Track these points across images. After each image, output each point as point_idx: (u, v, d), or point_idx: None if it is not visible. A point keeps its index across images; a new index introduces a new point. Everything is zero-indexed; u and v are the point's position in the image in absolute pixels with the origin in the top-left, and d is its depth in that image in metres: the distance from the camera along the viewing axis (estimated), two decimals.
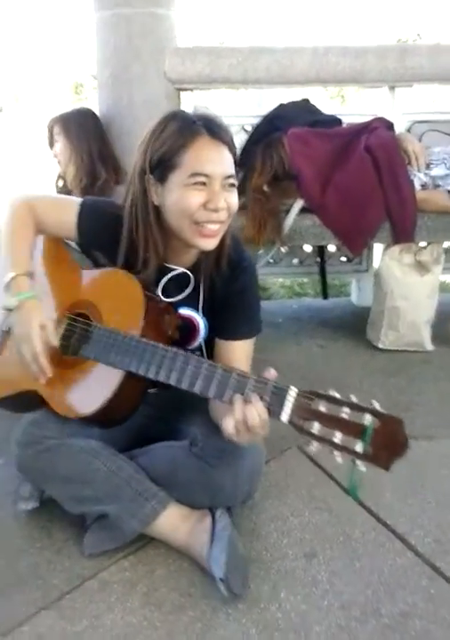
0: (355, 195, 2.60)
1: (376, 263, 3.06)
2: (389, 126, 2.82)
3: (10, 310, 1.45)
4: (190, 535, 1.49)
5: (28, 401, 1.52)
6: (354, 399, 1.12)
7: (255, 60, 2.81)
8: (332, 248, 3.21)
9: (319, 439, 1.11)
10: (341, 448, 1.09)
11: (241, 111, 3.25)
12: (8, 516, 1.63)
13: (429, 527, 1.61)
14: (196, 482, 1.50)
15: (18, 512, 1.62)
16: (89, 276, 1.56)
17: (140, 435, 1.62)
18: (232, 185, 1.38)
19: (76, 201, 1.54)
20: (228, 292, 1.50)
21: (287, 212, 2.60)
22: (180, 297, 1.52)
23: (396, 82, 2.95)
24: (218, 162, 1.34)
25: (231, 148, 1.39)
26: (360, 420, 1.09)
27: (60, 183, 2.56)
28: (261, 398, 1.20)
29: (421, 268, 2.65)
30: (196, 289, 1.52)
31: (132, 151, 1.45)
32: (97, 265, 1.61)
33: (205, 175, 1.33)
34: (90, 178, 2.42)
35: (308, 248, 3.20)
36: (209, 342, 1.57)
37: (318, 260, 3.18)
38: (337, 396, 1.14)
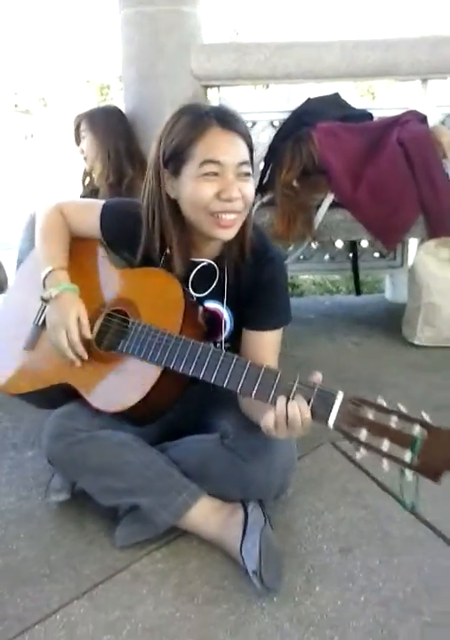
0: (387, 189, 2.57)
1: (411, 258, 3.00)
2: (422, 119, 2.78)
3: (46, 301, 1.49)
4: (223, 528, 1.46)
5: (58, 395, 1.53)
6: (403, 409, 1.10)
7: (283, 56, 2.79)
8: (364, 243, 3.16)
9: (367, 446, 1.10)
10: (389, 456, 1.07)
11: (269, 107, 3.22)
12: (40, 508, 1.63)
13: None
14: (228, 475, 1.48)
15: (49, 504, 1.62)
16: (127, 274, 1.56)
17: (170, 429, 1.61)
18: (247, 174, 1.36)
19: (99, 203, 1.59)
20: (254, 284, 1.49)
21: (318, 207, 2.58)
22: (207, 292, 1.51)
23: (428, 74, 2.90)
24: (230, 150, 1.34)
25: (245, 137, 1.37)
26: (409, 430, 1.07)
27: (87, 181, 2.57)
28: (308, 402, 1.19)
29: None
30: (220, 281, 1.51)
31: None
32: (131, 265, 1.60)
33: (217, 162, 1.32)
34: (117, 175, 2.43)
35: (339, 244, 3.17)
36: (236, 333, 1.55)
37: (351, 255, 3.13)
38: (385, 404, 1.12)
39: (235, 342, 1.55)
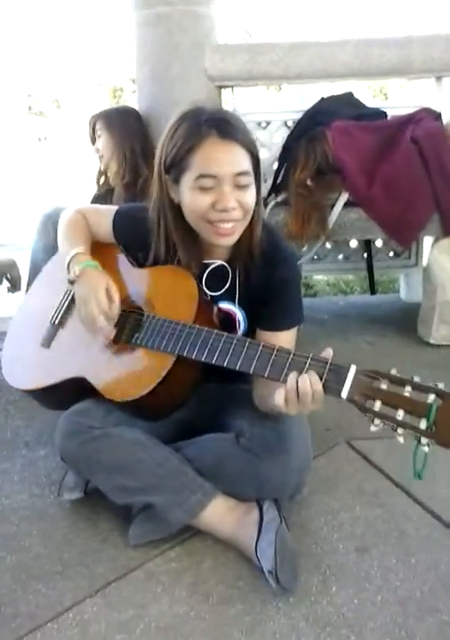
0: (402, 187, 2.54)
1: (425, 257, 2.97)
2: (436, 116, 2.75)
3: (72, 282, 1.53)
4: (237, 527, 1.45)
5: (70, 394, 1.53)
6: (417, 379, 1.10)
7: (297, 55, 2.77)
8: (379, 243, 3.14)
9: (381, 416, 1.09)
10: (404, 425, 1.06)
11: (282, 107, 3.21)
12: (53, 506, 1.63)
13: None
14: (243, 474, 1.46)
15: (63, 502, 1.62)
16: (144, 272, 1.57)
17: (184, 428, 1.60)
18: (246, 183, 1.35)
19: (112, 209, 1.63)
20: (267, 284, 1.48)
21: (332, 206, 2.55)
22: (220, 292, 1.51)
23: (442, 71, 2.87)
24: (226, 162, 1.33)
25: (246, 145, 1.35)
26: (424, 399, 1.06)
27: (102, 180, 2.57)
28: (321, 377, 1.18)
29: None
30: (233, 282, 1.51)
31: None
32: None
33: (212, 177, 1.32)
34: (132, 175, 2.43)
35: (353, 243, 3.14)
36: (250, 333, 1.53)
37: (365, 255, 3.11)
38: (399, 375, 1.11)
39: None
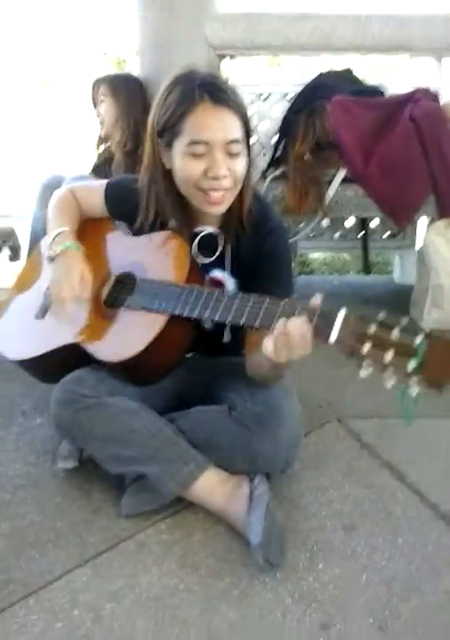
0: (399, 166, 2.53)
1: (421, 239, 2.97)
2: (434, 97, 2.72)
3: (52, 259, 1.53)
4: (228, 500, 1.46)
5: (63, 364, 1.53)
6: (404, 321, 1.08)
7: (298, 26, 2.75)
8: (375, 223, 3.13)
9: (370, 358, 1.08)
10: (393, 365, 1.05)
11: (283, 79, 3.18)
12: (47, 475, 1.63)
13: None
14: (235, 447, 1.47)
15: (57, 471, 1.62)
16: (136, 239, 1.58)
17: (177, 400, 1.60)
18: (237, 151, 1.35)
19: (103, 183, 1.64)
20: (256, 255, 1.48)
21: (330, 182, 2.54)
22: (211, 259, 1.52)
23: (443, 51, 2.85)
24: (218, 129, 1.32)
25: (238, 111, 1.35)
26: (412, 340, 1.05)
27: (101, 148, 2.53)
28: (311, 321, 1.16)
29: None
30: (223, 251, 1.51)
31: None
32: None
33: (204, 143, 1.32)
34: (133, 143, 2.39)
35: (350, 222, 3.13)
36: None
37: (361, 234, 3.10)
38: (387, 318, 1.10)
39: None
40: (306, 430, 1.68)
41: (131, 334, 1.44)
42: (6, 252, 2.17)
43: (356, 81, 2.89)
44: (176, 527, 1.47)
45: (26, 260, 1.86)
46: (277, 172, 2.63)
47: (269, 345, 1.20)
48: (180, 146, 1.35)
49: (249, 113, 2.80)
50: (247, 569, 1.36)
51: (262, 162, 2.86)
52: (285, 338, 1.17)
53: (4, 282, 1.82)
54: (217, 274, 1.53)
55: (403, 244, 3.19)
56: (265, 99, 2.91)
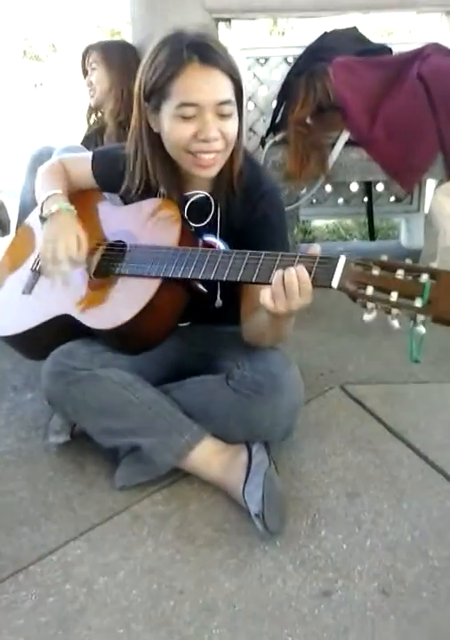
0: (406, 126, 2.44)
1: (428, 203, 2.88)
2: (446, 52, 2.62)
3: (44, 219, 1.49)
4: (226, 470, 1.43)
5: (55, 332, 1.49)
6: (408, 261, 1.05)
7: None
8: (380, 188, 3.04)
9: (375, 299, 1.05)
10: (399, 305, 1.03)
11: (283, 42, 3.08)
12: (39, 450, 1.60)
13: None
14: (233, 415, 1.43)
15: (49, 446, 1.59)
16: (126, 209, 1.55)
17: (173, 370, 1.56)
18: (228, 112, 1.31)
19: (90, 153, 1.62)
20: (249, 219, 1.44)
21: (332, 145, 2.45)
22: (203, 223, 1.47)
23: None
24: (208, 90, 1.28)
25: (229, 71, 1.30)
26: (417, 279, 1.02)
27: (92, 119, 2.47)
28: (310, 272, 1.13)
29: None
30: (214, 215, 1.47)
31: None
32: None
33: (194, 105, 1.28)
34: (127, 112, 2.33)
35: (354, 188, 3.05)
36: None
37: (366, 199, 3.02)
38: (390, 260, 1.07)
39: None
40: (308, 398, 1.63)
41: (123, 300, 1.40)
42: None
43: (362, 39, 2.79)
44: (172, 498, 1.44)
45: (14, 234, 1.81)
46: (277, 138, 2.56)
47: (266, 295, 1.16)
48: (168, 108, 1.30)
49: (247, 77, 2.75)
50: (246, 537, 1.32)
51: (262, 127, 2.79)
52: (284, 287, 1.13)
53: None
54: (210, 239, 1.48)
55: (409, 207, 3.10)
56: (264, 63, 2.81)
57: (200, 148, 1.31)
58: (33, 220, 1.76)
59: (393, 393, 1.81)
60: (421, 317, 1.01)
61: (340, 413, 1.74)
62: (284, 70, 2.78)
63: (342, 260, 1.11)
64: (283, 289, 1.14)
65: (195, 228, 1.47)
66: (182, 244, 1.38)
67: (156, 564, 1.27)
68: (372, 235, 3.09)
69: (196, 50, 1.27)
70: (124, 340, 1.43)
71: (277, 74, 2.82)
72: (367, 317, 1.07)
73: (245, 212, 1.44)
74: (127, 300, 1.38)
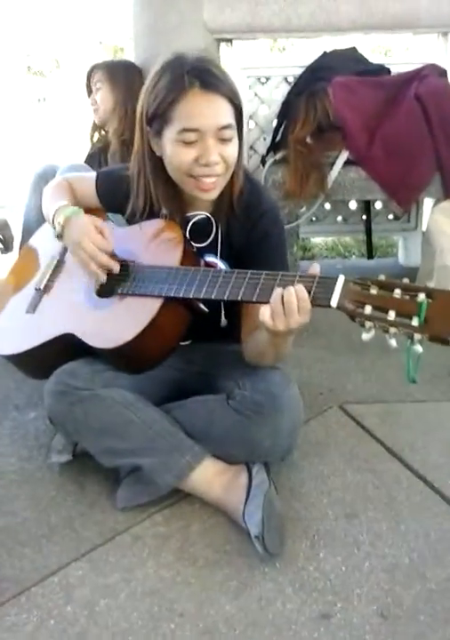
0: (404, 146, 2.47)
1: (425, 221, 2.91)
2: (442, 73, 2.66)
3: (60, 236, 1.52)
4: (226, 491, 1.44)
5: (58, 351, 1.50)
6: (406, 280, 1.08)
7: (297, 7, 2.68)
8: (378, 205, 3.07)
9: (372, 318, 1.07)
10: (396, 324, 1.05)
11: (283, 62, 3.11)
12: (41, 469, 1.61)
13: None
14: (233, 436, 1.44)
15: (51, 465, 1.60)
16: (130, 229, 1.56)
17: (174, 390, 1.58)
18: (229, 136, 1.33)
19: (94, 173, 1.65)
20: (249, 240, 1.46)
21: (332, 164, 2.48)
22: (204, 244, 1.49)
23: (449, 27, 2.77)
24: (209, 115, 1.30)
25: (230, 96, 1.32)
26: (414, 298, 1.05)
27: (96, 137, 2.49)
28: (309, 292, 1.15)
29: None
30: (216, 236, 1.49)
31: None
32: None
33: (195, 130, 1.30)
34: (131, 131, 2.35)
35: (353, 205, 3.07)
36: None
37: (364, 217, 3.05)
38: (387, 279, 1.10)
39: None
40: (307, 417, 1.64)
41: (126, 320, 1.41)
42: None
43: (361, 59, 2.83)
44: (173, 519, 1.45)
45: (18, 252, 1.83)
46: (278, 157, 2.58)
47: (266, 313, 1.18)
48: (170, 133, 1.33)
49: (248, 96, 2.78)
50: (246, 559, 1.33)
51: (262, 146, 2.81)
52: (283, 305, 1.15)
53: None
54: (210, 258, 1.50)
55: (407, 225, 3.12)
56: (265, 82, 2.85)
57: (202, 172, 1.34)
58: (37, 240, 1.78)
59: (391, 412, 1.83)
60: (417, 336, 1.04)
61: (339, 433, 1.75)
62: (284, 90, 2.81)
63: (341, 279, 1.14)
64: (282, 307, 1.16)
65: (196, 248, 1.49)
66: (185, 264, 1.40)
67: (157, 585, 1.27)
68: (370, 252, 3.11)
69: (198, 75, 1.30)
70: (126, 359, 1.44)
71: (277, 93, 2.85)
72: (366, 336, 1.09)
73: (246, 231, 1.47)
74: (130, 320, 1.40)
